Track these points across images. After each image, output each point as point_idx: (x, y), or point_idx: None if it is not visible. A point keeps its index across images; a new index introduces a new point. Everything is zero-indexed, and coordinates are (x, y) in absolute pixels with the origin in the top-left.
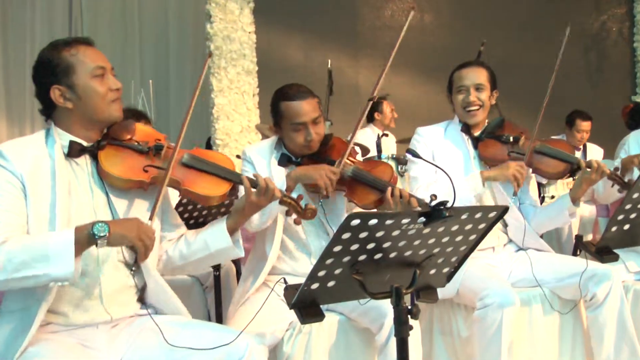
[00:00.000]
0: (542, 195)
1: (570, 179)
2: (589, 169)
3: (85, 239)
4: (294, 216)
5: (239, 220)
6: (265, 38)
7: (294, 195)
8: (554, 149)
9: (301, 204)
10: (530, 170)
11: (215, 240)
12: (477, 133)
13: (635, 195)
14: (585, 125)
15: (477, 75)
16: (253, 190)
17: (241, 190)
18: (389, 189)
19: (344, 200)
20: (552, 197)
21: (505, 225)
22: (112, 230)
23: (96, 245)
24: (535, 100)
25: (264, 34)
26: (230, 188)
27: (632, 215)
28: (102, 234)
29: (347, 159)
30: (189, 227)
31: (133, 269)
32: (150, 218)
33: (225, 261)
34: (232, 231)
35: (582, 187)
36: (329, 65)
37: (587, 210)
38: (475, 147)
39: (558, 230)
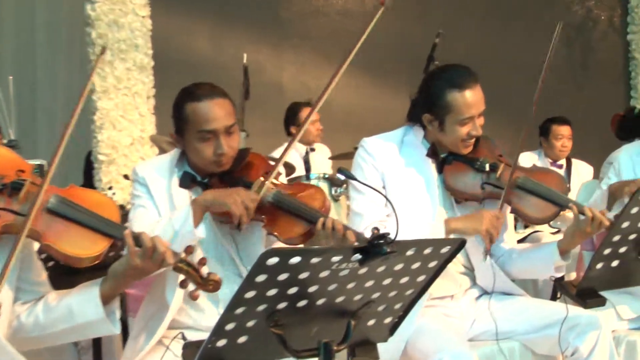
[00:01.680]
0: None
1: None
2: (582, 216)
3: None
4: (191, 287)
5: (117, 285)
6: (164, 24)
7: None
8: (541, 186)
9: (203, 271)
10: (508, 209)
11: (83, 309)
12: (442, 154)
13: (625, 225)
14: (564, 130)
15: (482, 98)
16: (137, 250)
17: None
18: (320, 219)
19: (262, 233)
20: (527, 226)
21: (470, 267)
22: None
23: None
24: (510, 108)
25: (162, 19)
26: (109, 246)
27: (622, 249)
28: None
29: (269, 180)
30: (57, 276)
31: None
32: None
33: (94, 336)
34: (106, 299)
35: (574, 240)
36: (245, 60)
37: None
38: (440, 170)
39: None
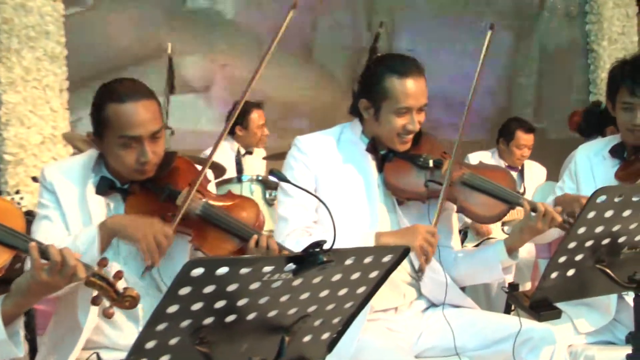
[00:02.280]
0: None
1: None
2: (533, 214)
3: None
4: (105, 304)
5: (21, 303)
6: (79, 8)
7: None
8: (488, 182)
9: (118, 286)
10: (455, 208)
11: None
12: (382, 150)
13: (581, 231)
14: (528, 139)
15: (424, 92)
16: (43, 263)
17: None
18: (253, 237)
19: (188, 248)
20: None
21: (418, 277)
22: None
23: None
24: (454, 105)
25: (77, 2)
26: (10, 258)
27: (578, 257)
28: None
29: (197, 189)
30: None
31: None
32: None
33: None
34: (9, 318)
35: (522, 236)
36: (169, 50)
37: (524, 249)
38: (381, 169)
39: None
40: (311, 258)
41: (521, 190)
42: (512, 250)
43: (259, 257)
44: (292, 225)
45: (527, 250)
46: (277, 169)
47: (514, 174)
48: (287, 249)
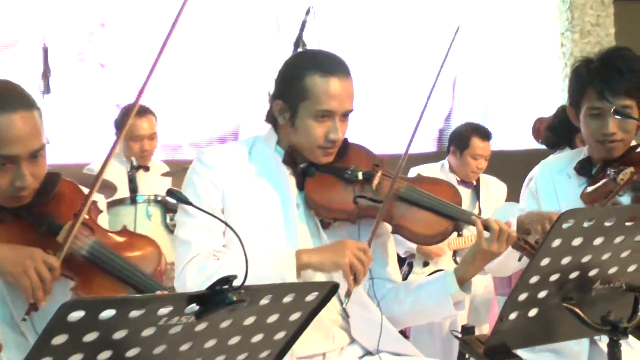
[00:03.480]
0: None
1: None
2: (487, 233)
3: None
4: None
5: None
6: None
7: None
8: (429, 195)
9: None
10: (390, 229)
11: None
12: (302, 164)
13: (544, 262)
14: (484, 147)
15: (350, 96)
16: None
17: None
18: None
19: (69, 296)
20: (426, 264)
21: (343, 302)
22: None
23: None
24: (396, 109)
25: None
26: None
27: (542, 294)
28: None
29: (84, 223)
30: None
31: None
32: None
33: None
34: None
35: (475, 262)
36: (44, 41)
37: (480, 284)
38: (301, 185)
39: None
40: (218, 297)
41: (476, 211)
42: (464, 281)
43: (153, 297)
44: (196, 249)
45: (483, 286)
46: (175, 189)
47: (467, 191)
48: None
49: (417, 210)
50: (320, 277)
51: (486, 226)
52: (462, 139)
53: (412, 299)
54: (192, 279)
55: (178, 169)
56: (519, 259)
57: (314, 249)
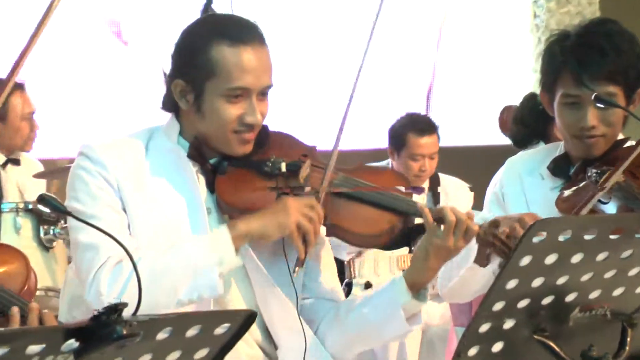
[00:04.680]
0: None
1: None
2: (441, 226)
3: None
4: None
5: None
6: None
7: None
8: (369, 185)
9: None
10: (324, 231)
11: None
12: (211, 159)
13: (511, 285)
14: (425, 144)
15: (267, 68)
16: None
17: None
18: (13, 309)
19: None
20: (368, 286)
21: (271, 348)
22: None
23: None
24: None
25: None
26: None
27: (508, 324)
28: None
29: None
30: None
31: None
32: None
33: None
34: None
35: (428, 262)
36: None
37: (435, 312)
38: (212, 185)
39: (380, 353)
40: (103, 330)
41: None
42: (417, 287)
43: (20, 330)
44: (105, 252)
45: (439, 315)
46: (48, 194)
47: (422, 196)
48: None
49: (355, 205)
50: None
51: (440, 217)
52: (396, 137)
53: (355, 317)
54: (107, 288)
55: (55, 169)
56: (486, 260)
57: (250, 215)
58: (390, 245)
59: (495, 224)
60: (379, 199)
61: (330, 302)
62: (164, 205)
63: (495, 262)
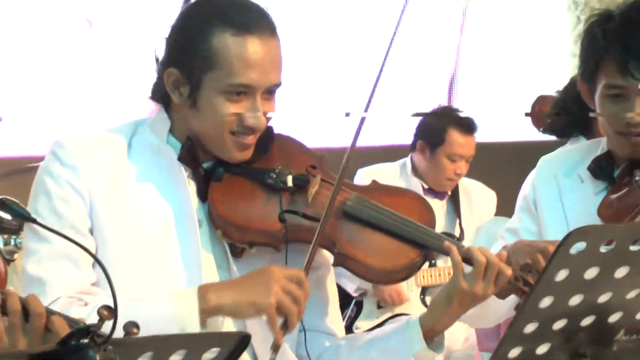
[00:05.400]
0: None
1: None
2: (468, 267)
3: None
4: None
5: None
6: None
7: None
8: (388, 211)
9: None
10: (331, 260)
11: None
12: (205, 162)
13: (545, 304)
14: (466, 144)
15: (276, 63)
16: None
17: None
18: None
19: None
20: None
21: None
22: None
23: None
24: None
25: None
26: None
27: (542, 348)
28: None
29: None
30: None
31: None
32: None
33: None
34: None
35: (451, 308)
36: None
37: (458, 335)
38: (204, 195)
39: None
40: (73, 356)
41: (456, 234)
42: (434, 334)
43: None
44: (53, 291)
45: (463, 338)
46: (10, 198)
47: (440, 203)
48: (60, 313)
49: (370, 232)
50: (229, 325)
51: (467, 257)
52: (434, 131)
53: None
54: None
55: (16, 169)
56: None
57: (224, 284)
58: (406, 279)
59: (528, 267)
60: (400, 228)
61: (329, 337)
62: (147, 216)
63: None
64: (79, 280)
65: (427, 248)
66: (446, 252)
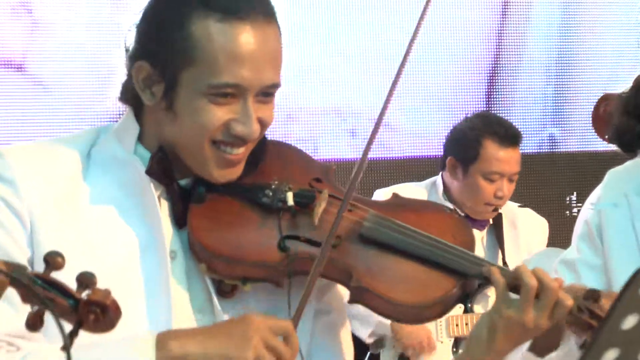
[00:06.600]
0: None
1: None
2: (513, 295)
3: None
4: None
5: None
6: None
7: None
8: (416, 232)
9: None
10: (346, 296)
11: None
12: (182, 179)
13: (628, 324)
14: (508, 159)
15: (275, 56)
16: None
17: None
18: None
19: None
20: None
21: None
22: None
23: None
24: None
25: None
26: None
27: None
28: None
29: None
30: None
31: None
32: None
33: None
34: None
35: (494, 343)
36: None
37: None
38: (181, 219)
39: None
40: None
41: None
42: None
43: None
44: None
45: None
46: None
47: (480, 235)
48: None
49: (394, 259)
50: None
51: (515, 280)
52: (465, 143)
53: None
54: None
55: None
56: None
57: (193, 331)
58: (439, 317)
59: (594, 295)
60: (430, 252)
61: None
62: (105, 245)
63: (567, 345)
64: (13, 322)
65: (465, 276)
66: (488, 278)
